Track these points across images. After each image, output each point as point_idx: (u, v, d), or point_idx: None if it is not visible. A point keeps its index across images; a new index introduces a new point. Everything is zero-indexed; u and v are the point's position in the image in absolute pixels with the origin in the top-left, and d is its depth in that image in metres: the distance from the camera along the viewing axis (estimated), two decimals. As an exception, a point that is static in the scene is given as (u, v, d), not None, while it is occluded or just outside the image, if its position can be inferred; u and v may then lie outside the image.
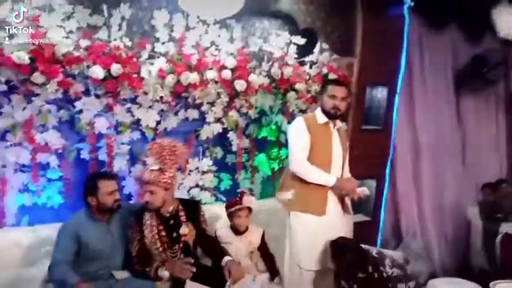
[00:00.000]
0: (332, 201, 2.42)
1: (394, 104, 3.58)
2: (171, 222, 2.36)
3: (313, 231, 2.37)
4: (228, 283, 2.23)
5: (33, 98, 2.38)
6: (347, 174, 2.54)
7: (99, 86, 2.53)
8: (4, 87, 2.28)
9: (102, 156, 2.64)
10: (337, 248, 2.33)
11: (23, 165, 2.43)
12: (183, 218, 2.39)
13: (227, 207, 2.63)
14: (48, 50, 2.25)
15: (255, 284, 2.38)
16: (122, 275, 2.25)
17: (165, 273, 2.21)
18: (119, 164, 2.66)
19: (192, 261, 2.27)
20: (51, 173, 2.53)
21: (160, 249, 2.32)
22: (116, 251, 2.30)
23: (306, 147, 2.40)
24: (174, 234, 2.35)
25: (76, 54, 2.39)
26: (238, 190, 2.75)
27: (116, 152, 2.66)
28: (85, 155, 2.61)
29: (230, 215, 2.61)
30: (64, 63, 2.36)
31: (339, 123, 2.52)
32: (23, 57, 2.20)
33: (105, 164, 2.64)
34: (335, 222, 2.43)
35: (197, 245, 2.47)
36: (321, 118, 2.46)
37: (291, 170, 2.47)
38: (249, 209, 2.61)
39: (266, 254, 2.63)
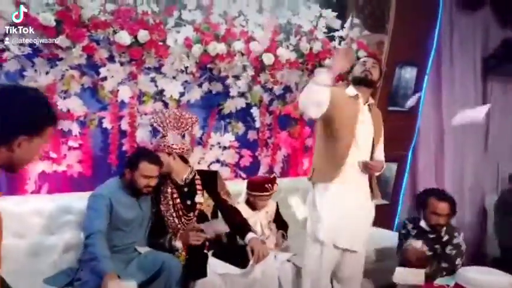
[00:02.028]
0: (349, 174, 2.32)
1: (422, 85, 3.47)
2: (185, 189, 2.35)
3: (336, 203, 2.28)
4: (251, 262, 2.19)
5: (57, 62, 2.29)
6: (379, 157, 2.43)
7: (123, 53, 2.43)
8: (29, 50, 2.18)
9: (125, 126, 2.57)
10: None
11: (45, 132, 2.36)
12: (198, 187, 2.38)
13: (254, 189, 2.56)
14: (76, 13, 2.15)
15: (276, 262, 2.35)
16: (144, 249, 2.21)
17: (177, 243, 2.21)
18: (142, 135, 2.60)
19: (202, 227, 2.25)
20: (72, 141, 2.47)
21: (175, 215, 2.31)
22: (142, 226, 2.27)
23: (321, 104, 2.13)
24: (189, 202, 2.34)
25: (102, 18, 2.28)
26: (269, 174, 2.73)
27: (138, 123, 2.59)
28: (107, 124, 2.54)
29: (253, 195, 2.56)
30: (90, 27, 2.26)
31: (370, 99, 2.41)
32: (49, 19, 2.10)
33: (127, 134, 2.57)
34: (357, 195, 2.34)
35: (216, 216, 2.43)
36: (350, 91, 2.35)
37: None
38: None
39: (281, 223, 2.69)
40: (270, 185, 2.53)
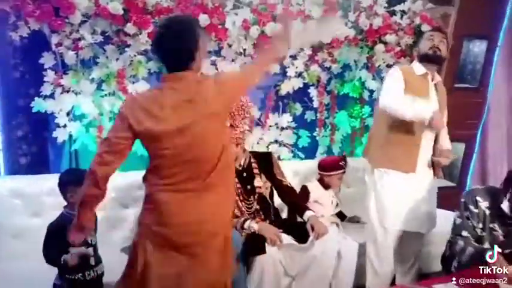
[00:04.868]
0: (422, 160, 2.27)
1: (493, 59, 3.24)
2: (244, 174, 2.36)
3: (400, 190, 2.24)
4: (311, 238, 2.23)
5: (125, 49, 2.44)
6: (445, 137, 2.34)
7: (186, 38, 2.53)
8: (100, 38, 2.36)
9: (188, 108, 2.69)
10: None
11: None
12: (255, 171, 2.39)
13: (328, 169, 2.57)
14: (141, 0, 2.27)
15: (338, 237, 2.37)
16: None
17: (254, 225, 2.23)
18: (204, 116, 2.70)
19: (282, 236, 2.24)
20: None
21: (237, 199, 2.32)
22: None
23: (401, 89, 2.16)
24: (249, 187, 2.35)
25: (165, 4, 2.39)
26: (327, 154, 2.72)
27: (201, 105, 2.70)
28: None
29: (327, 176, 2.57)
30: (154, 14, 2.38)
31: (437, 77, 2.31)
32: (117, 8, 2.25)
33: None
34: (423, 183, 2.29)
35: (272, 197, 2.46)
36: (419, 69, 2.26)
37: (381, 109, 2.23)
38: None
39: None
40: (343, 162, 2.56)
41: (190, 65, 1.51)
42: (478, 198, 2.04)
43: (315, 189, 2.58)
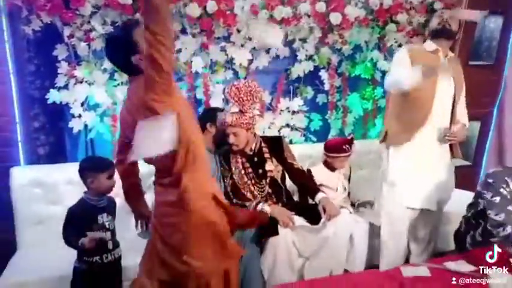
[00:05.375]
0: (428, 127, 2.24)
1: (509, 36, 3.15)
2: (255, 159, 2.39)
3: (410, 164, 2.25)
4: (323, 220, 2.26)
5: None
6: (461, 119, 2.31)
7: (194, 25, 2.55)
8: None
9: (199, 95, 2.72)
10: None
11: (130, 103, 2.59)
12: (266, 155, 2.41)
13: (331, 151, 2.57)
14: (149, -11, 2.28)
15: (350, 220, 2.38)
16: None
17: (266, 208, 2.26)
18: (215, 103, 2.73)
19: (294, 219, 2.28)
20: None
21: (250, 183, 2.37)
22: (219, 180, 2.39)
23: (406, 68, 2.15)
24: (260, 171, 2.38)
25: (173, -8, 2.41)
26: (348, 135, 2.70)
27: (211, 91, 2.72)
28: (184, 93, 2.70)
29: (330, 157, 2.57)
30: (162, 1, 2.39)
31: (450, 53, 2.28)
32: (126, -3, 2.28)
33: (202, 102, 2.72)
34: (437, 159, 2.28)
35: (284, 180, 2.49)
36: (429, 46, 2.25)
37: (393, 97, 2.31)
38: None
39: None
40: (347, 146, 2.53)
41: (138, 69, 1.45)
42: (507, 178, 2.03)
43: (320, 172, 2.58)
